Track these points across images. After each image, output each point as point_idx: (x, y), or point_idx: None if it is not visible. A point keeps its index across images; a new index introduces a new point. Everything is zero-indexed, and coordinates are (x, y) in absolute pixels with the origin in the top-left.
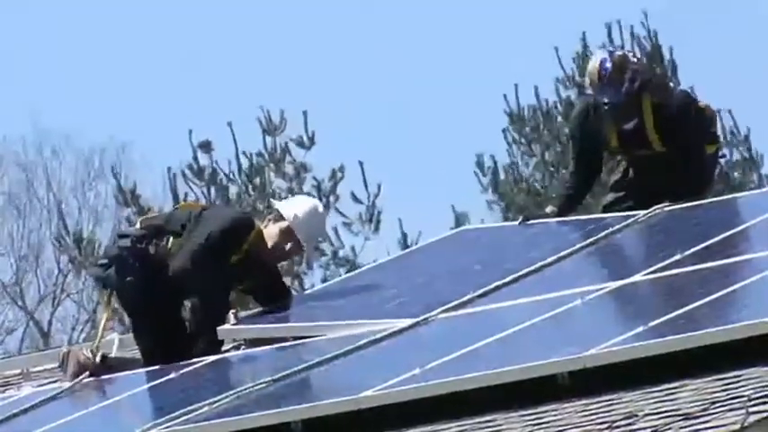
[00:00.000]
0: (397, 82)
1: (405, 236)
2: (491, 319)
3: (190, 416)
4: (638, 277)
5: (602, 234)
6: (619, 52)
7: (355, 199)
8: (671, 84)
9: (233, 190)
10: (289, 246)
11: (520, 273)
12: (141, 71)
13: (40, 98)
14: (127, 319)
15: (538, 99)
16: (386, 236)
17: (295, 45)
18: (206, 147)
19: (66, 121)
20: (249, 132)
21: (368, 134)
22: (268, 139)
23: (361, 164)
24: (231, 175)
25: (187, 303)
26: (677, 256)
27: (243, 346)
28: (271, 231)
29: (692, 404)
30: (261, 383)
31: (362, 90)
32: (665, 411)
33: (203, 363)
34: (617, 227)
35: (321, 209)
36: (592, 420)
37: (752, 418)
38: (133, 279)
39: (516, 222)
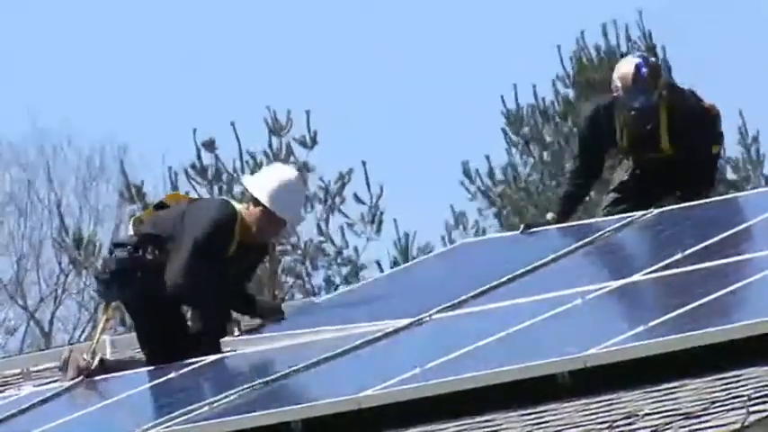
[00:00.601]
0: (397, 82)
1: (405, 236)
2: (491, 318)
3: (190, 416)
4: (638, 277)
5: (602, 233)
6: (652, 59)
7: (358, 200)
8: (681, 86)
9: (237, 189)
10: (272, 225)
11: (519, 272)
12: (143, 70)
13: (40, 97)
14: (128, 321)
15: (536, 98)
16: (387, 236)
17: (298, 46)
18: (210, 146)
19: (67, 120)
20: (253, 132)
21: (369, 135)
22: (273, 138)
23: (364, 165)
24: (235, 174)
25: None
26: (677, 256)
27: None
28: (251, 215)
29: (692, 404)
30: (261, 383)
31: (363, 90)
32: (666, 411)
33: (203, 363)
34: (617, 226)
35: (293, 178)
36: (592, 420)
37: (752, 418)
38: (136, 289)
39: (518, 231)
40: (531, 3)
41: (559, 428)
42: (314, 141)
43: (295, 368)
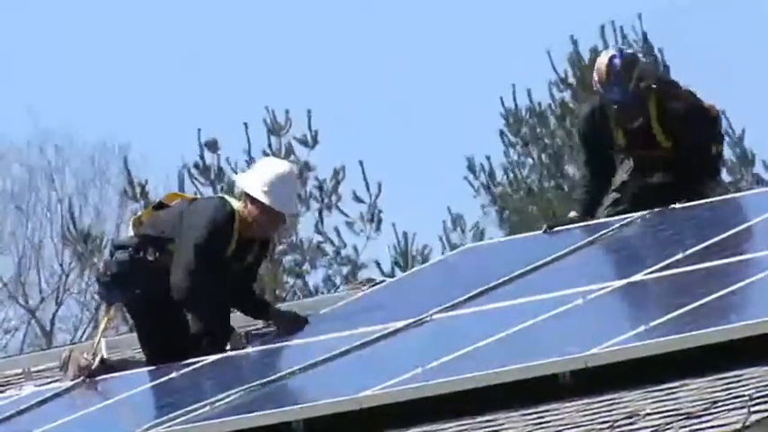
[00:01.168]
0: (395, 82)
1: (404, 236)
2: (492, 318)
3: (190, 416)
4: (639, 277)
5: (603, 233)
6: (629, 50)
7: (357, 199)
8: (677, 83)
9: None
10: (271, 219)
11: (520, 272)
12: (143, 70)
13: (41, 97)
14: (130, 321)
15: (531, 100)
16: (387, 235)
17: (297, 46)
18: (212, 146)
19: (68, 120)
20: (254, 132)
21: (368, 134)
22: (273, 138)
23: (361, 163)
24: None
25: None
26: (678, 256)
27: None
28: (249, 212)
29: (693, 404)
30: (261, 383)
31: (362, 90)
32: (667, 411)
33: (203, 363)
34: (617, 226)
35: (285, 170)
36: (593, 420)
37: (753, 418)
38: (139, 292)
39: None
40: (530, 3)
41: (561, 428)
42: (315, 141)
43: (295, 368)
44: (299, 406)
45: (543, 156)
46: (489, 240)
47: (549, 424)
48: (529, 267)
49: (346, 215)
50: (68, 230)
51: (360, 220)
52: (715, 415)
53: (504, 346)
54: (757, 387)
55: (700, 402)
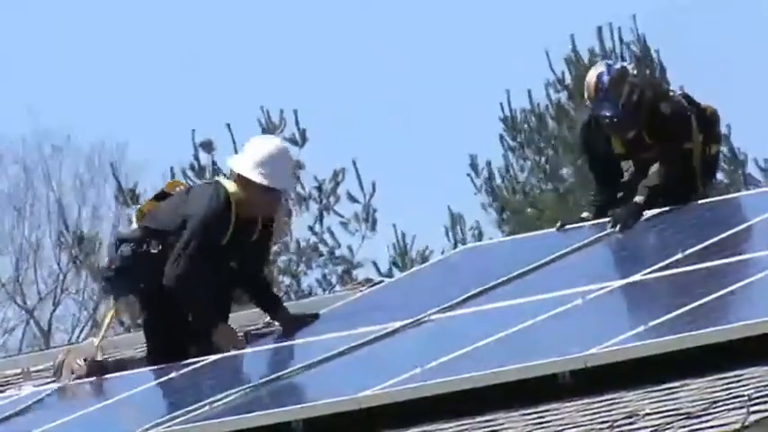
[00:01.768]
0: (394, 81)
1: (402, 236)
2: (492, 318)
3: (190, 416)
4: (638, 276)
5: (603, 233)
6: (617, 66)
7: (351, 198)
8: (671, 90)
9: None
10: (268, 198)
11: (520, 272)
12: (140, 71)
13: (40, 97)
14: (126, 321)
15: (531, 102)
16: (382, 235)
17: (296, 47)
18: (207, 146)
19: (66, 121)
20: (249, 131)
21: (363, 133)
22: None
23: (354, 163)
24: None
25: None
26: (678, 256)
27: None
28: (246, 194)
29: (692, 404)
30: (261, 383)
31: (358, 90)
32: (666, 411)
33: (203, 363)
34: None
35: (275, 146)
36: (593, 420)
37: (752, 418)
38: (141, 285)
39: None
40: (530, 4)
41: (560, 428)
42: (304, 139)
43: (295, 368)
44: (299, 406)
45: (540, 158)
46: (489, 240)
47: (549, 424)
48: (528, 267)
49: (341, 215)
50: (62, 234)
51: (354, 219)
52: (714, 415)
53: (503, 346)
54: (757, 387)
55: (699, 402)
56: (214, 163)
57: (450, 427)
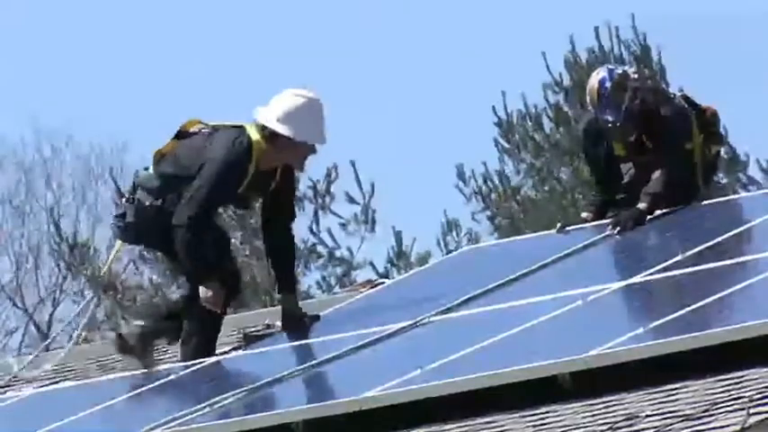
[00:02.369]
0: (391, 81)
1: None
2: (492, 319)
3: (189, 417)
4: (639, 278)
5: (603, 235)
6: (619, 70)
7: (350, 199)
8: (671, 93)
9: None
10: (298, 151)
11: (520, 273)
12: (140, 71)
13: (40, 98)
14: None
15: (526, 105)
16: (381, 236)
17: (294, 46)
18: None
19: (66, 122)
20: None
21: (359, 135)
22: None
23: (353, 163)
24: None
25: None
26: (678, 257)
27: (243, 346)
28: (272, 147)
29: (693, 405)
30: (261, 384)
31: (358, 90)
32: (667, 412)
33: (203, 363)
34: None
35: (307, 98)
36: (593, 421)
37: (752, 420)
38: (155, 239)
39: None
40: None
41: (560, 430)
42: None
43: (295, 369)
44: (299, 407)
45: (536, 160)
46: (489, 242)
47: (549, 425)
48: (529, 269)
49: (339, 216)
50: (54, 241)
51: (354, 221)
52: (715, 416)
53: (504, 347)
54: (757, 389)
55: (699, 404)
56: None
57: (451, 429)
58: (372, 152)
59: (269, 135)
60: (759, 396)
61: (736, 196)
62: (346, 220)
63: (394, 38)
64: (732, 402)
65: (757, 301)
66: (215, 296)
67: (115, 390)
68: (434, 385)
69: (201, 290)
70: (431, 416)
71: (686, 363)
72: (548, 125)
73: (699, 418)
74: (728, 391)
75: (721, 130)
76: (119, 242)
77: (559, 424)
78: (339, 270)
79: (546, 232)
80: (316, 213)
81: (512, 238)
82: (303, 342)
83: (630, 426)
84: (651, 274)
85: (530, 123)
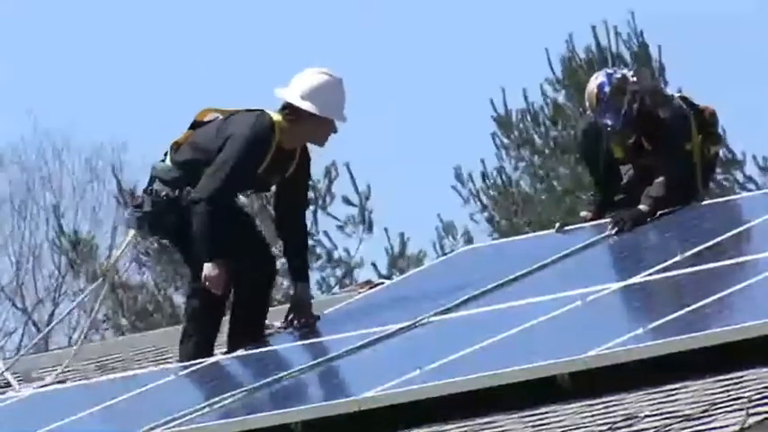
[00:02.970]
0: (389, 82)
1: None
2: (491, 320)
3: (189, 417)
4: (638, 278)
5: (602, 235)
6: (618, 75)
7: (347, 201)
8: (670, 95)
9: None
10: (321, 128)
11: (519, 273)
12: (140, 72)
13: (40, 98)
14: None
15: (527, 102)
16: (379, 237)
17: (294, 47)
18: None
19: (66, 122)
20: None
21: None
22: None
23: (347, 165)
24: None
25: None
26: (677, 257)
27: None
28: (294, 125)
29: (692, 405)
30: (261, 385)
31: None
32: (666, 413)
33: (204, 363)
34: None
35: (328, 77)
36: (592, 422)
37: (752, 420)
38: (171, 230)
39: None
40: (528, 4)
41: (560, 430)
42: None
43: (295, 370)
44: (299, 408)
45: (535, 158)
46: (487, 242)
47: (549, 426)
48: (528, 269)
49: (336, 218)
50: (57, 238)
51: (351, 222)
52: (714, 417)
53: (503, 347)
54: (756, 389)
55: (698, 404)
56: None
57: (451, 429)
58: (369, 153)
59: (290, 115)
60: (758, 396)
61: (736, 196)
62: (344, 222)
63: (391, 38)
64: (731, 403)
65: (757, 302)
66: (218, 277)
67: (115, 390)
68: (434, 385)
69: (206, 267)
70: (430, 416)
71: (686, 363)
72: (546, 123)
73: (698, 419)
74: (728, 391)
75: (720, 130)
76: (131, 231)
77: (559, 424)
78: (339, 271)
79: (545, 232)
80: (315, 214)
81: (511, 239)
82: (303, 342)
83: (630, 426)
84: (650, 274)
85: (529, 120)
